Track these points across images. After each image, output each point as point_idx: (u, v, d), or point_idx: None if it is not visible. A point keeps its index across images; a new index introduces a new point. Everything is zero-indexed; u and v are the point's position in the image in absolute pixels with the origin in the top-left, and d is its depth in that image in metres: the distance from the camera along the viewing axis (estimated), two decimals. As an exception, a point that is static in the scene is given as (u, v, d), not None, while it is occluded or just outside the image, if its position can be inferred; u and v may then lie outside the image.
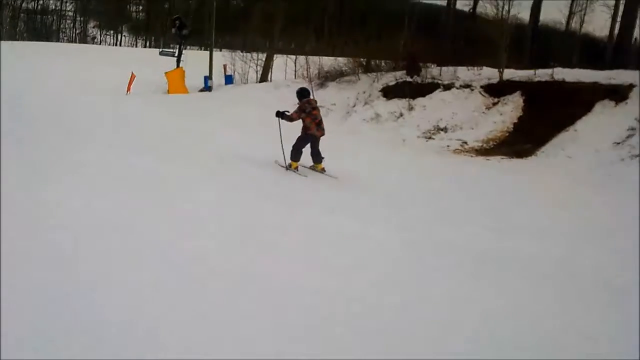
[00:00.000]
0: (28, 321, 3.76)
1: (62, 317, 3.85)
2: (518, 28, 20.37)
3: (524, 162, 12.76)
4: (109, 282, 4.49)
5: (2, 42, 41.65)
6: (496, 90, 15.46)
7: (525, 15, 24.33)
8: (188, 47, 27.54)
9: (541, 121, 13.72)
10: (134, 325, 3.91)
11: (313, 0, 41.53)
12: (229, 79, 25.96)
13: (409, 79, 16.82)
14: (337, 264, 5.55)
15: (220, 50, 28.65)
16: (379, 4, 42.49)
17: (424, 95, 16.21)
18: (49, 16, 56.31)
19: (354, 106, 17.35)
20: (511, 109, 14.76)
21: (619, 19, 20.02)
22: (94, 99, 19.49)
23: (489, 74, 16.27)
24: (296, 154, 9.31)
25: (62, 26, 56.46)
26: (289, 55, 25.64)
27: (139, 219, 6.08)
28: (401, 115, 16.06)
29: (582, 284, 5.57)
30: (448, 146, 14.07)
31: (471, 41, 18.86)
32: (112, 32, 57.56)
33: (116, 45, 55.99)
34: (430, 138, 14.83)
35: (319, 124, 9.31)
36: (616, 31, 19.95)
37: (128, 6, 60.22)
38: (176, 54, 26.36)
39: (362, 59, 19.21)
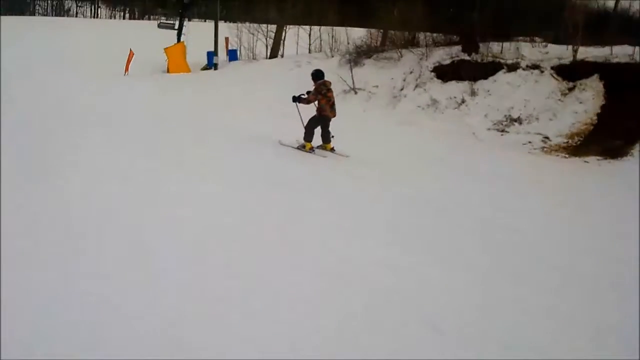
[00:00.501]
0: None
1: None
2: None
3: (621, 164, 10.71)
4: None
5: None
6: (569, 72, 13.59)
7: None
8: (191, 19, 24.51)
9: (627, 111, 12.00)
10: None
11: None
12: (232, 55, 23.31)
13: (466, 56, 14.84)
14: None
15: (226, 22, 25.91)
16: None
17: (485, 77, 14.12)
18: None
19: (402, 89, 15.26)
20: (591, 95, 12.86)
21: None
22: (91, 84, 17.10)
23: (557, 52, 14.42)
24: (310, 134, 9.38)
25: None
26: (302, 26, 23.20)
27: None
28: (463, 101, 13.98)
29: None
30: (530, 142, 12.26)
31: (519, 11, 16.79)
32: (87, 3, 53.48)
33: (94, 17, 52.07)
34: (503, 131, 12.87)
35: (333, 106, 9.32)
36: None
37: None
38: (176, 27, 23.59)
39: (407, 32, 16.99)
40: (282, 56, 22.48)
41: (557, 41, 14.58)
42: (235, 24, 23.89)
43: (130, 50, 20.80)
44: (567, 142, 12.02)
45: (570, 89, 13.21)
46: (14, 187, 6.30)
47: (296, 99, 9.54)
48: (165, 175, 7.46)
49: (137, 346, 3.66)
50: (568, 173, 10.37)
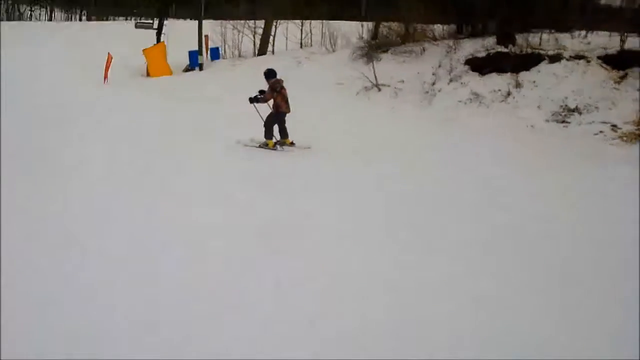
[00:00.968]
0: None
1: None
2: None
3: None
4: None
5: None
6: (618, 61, 12.92)
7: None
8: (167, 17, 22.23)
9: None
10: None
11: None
12: (214, 53, 21.43)
13: (502, 48, 13.83)
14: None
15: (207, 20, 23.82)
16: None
17: (527, 69, 13.25)
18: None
19: (434, 84, 14.04)
20: (646, 82, 12.34)
21: None
22: (69, 96, 14.73)
23: (598, 42, 13.70)
24: (270, 132, 9.61)
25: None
26: (292, 21, 21.44)
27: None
28: (509, 94, 13.07)
29: None
30: (602, 132, 11.38)
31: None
32: (39, 7, 49.21)
33: (50, 21, 48.10)
34: (564, 122, 12.03)
35: (287, 102, 9.61)
36: None
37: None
38: (155, 26, 21.49)
39: (428, 25, 15.87)
40: (272, 53, 20.83)
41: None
42: (218, 21, 21.92)
43: (109, 54, 18.50)
44: (638, 128, 11.23)
45: (622, 77, 12.45)
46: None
47: (253, 100, 9.68)
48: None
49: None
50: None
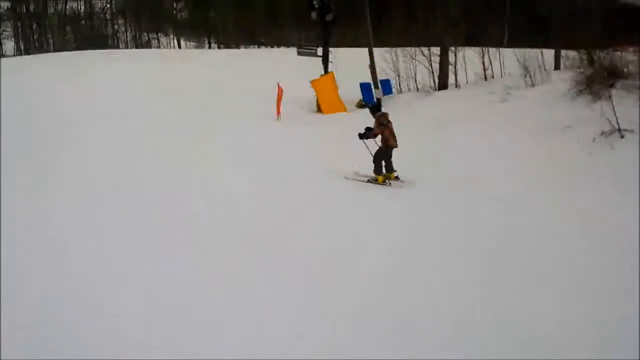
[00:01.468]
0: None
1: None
2: None
3: None
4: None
5: (58, 53, 36.79)
6: None
7: None
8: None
9: None
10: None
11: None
12: (386, 87, 19.45)
13: None
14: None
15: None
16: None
17: None
18: (94, 21, 50.60)
19: None
20: None
21: None
22: (244, 141, 13.34)
23: None
24: (379, 167, 9.48)
25: (113, 31, 50.54)
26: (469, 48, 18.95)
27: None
28: None
29: None
30: None
31: None
32: (157, 33, 51.06)
33: (176, 47, 49.96)
34: None
35: (394, 136, 9.40)
36: None
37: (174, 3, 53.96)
38: (320, 52, 19.19)
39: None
40: (456, 86, 18.59)
41: None
42: (385, 48, 19.84)
43: (279, 86, 16.76)
44: None
45: None
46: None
47: (362, 136, 9.49)
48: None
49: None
50: None
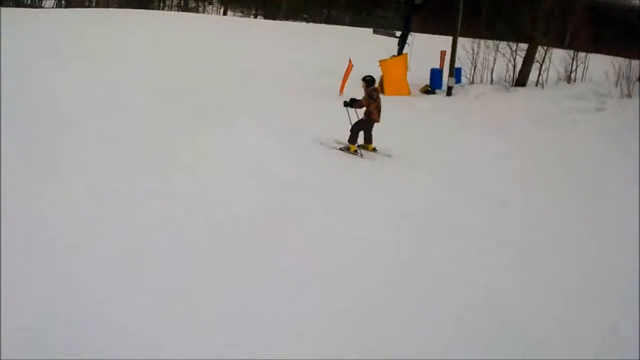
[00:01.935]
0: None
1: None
2: None
3: None
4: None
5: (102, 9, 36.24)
6: None
7: None
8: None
9: None
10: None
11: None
12: (457, 75, 17.77)
13: None
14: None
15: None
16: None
17: None
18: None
19: None
20: None
21: None
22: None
23: None
24: (355, 137, 9.57)
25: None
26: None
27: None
28: None
29: None
30: None
31: None
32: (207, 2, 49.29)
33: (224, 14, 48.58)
34: None
35: (379, 111, 9.56)
36: None
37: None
38: (398, 34, 17.70)
39: None
40: (537, 84, 16.73)
41: None
42: (467, 38, 18.05)
43: (350, 61, 15.54)
44: None
45: None
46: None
47: (348, 104, 9.62)
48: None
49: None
50: None
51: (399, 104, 15.22)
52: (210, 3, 49.65)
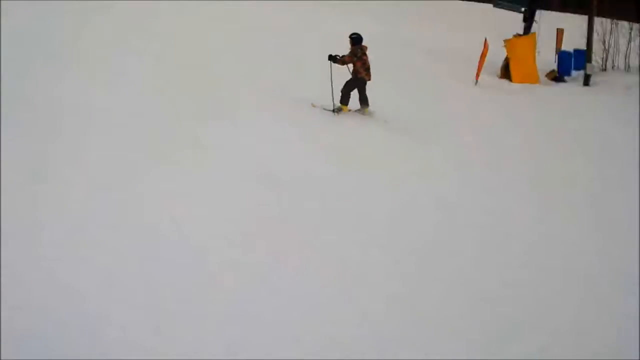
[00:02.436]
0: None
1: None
2: None
3: None
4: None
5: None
6: None
7: None
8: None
9: None
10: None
11: None
12: (579, 58, 15.81)
13: None
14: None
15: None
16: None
17: None
18: None
19: None
20: None
21: None
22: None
23: None
24: (346, 97, 9.53)
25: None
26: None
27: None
28: None
29: None
30: None
31: None
32: None
33: None
34: None
35: (368, 69, 9.44)
36: None
37: None
38: (524, 10, 15.37)
39: None
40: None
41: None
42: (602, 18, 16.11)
43: (486, 41, 13.79)
44: None
45: None
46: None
47: (331, 58, 9.44)
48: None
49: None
50: None
51: (532, 93, 13.66)
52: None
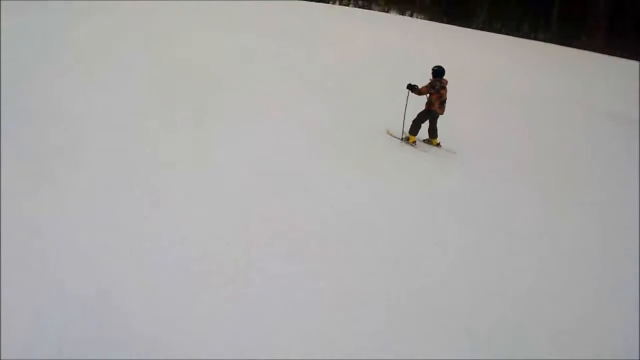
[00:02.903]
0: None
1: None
2: None
3: None
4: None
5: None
6: None
7: None
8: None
9: None
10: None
11: None
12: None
13: None
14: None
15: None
16: None
17: None
18: None
19: None
20: None
21: None
22: None
23: None
24: (416, 127, 9.39)
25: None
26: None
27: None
28: None
29: None
30: None
31: None
32: None
33: None
34: None
35: (443, 103, 9.21)
36: None
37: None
38: None
39: None
40: None
41: None
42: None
43: None
44: None
45: None
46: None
47: (410, 87, 9.28)
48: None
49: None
50: None
51: None
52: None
